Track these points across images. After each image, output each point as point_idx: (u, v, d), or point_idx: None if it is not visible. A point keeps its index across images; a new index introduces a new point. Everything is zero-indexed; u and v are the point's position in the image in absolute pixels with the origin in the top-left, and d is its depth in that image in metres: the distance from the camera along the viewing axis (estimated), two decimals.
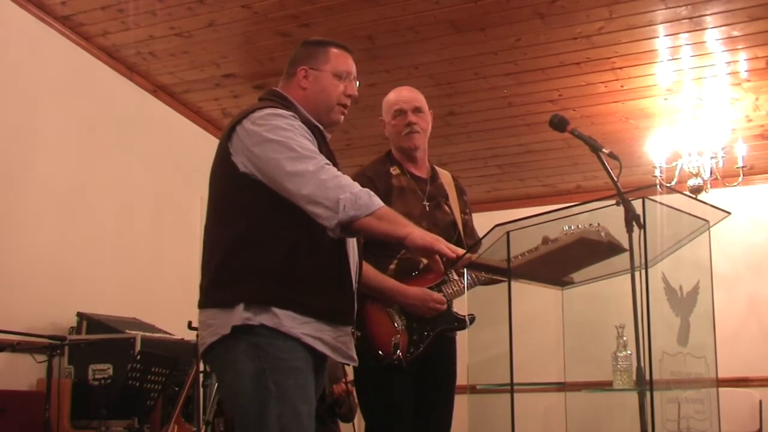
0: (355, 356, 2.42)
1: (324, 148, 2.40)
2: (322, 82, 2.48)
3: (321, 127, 2.47)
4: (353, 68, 2.55)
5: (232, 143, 2.32)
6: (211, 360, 2.37)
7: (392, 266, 2.97)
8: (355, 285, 2.43)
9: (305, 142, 2.29)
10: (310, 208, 2.21)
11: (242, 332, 2.22)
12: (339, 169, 2.37)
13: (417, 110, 3.14)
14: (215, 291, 2.30)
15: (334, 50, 2.53)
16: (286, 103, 2.43)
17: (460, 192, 3.26)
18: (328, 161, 2.28)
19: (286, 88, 2.51)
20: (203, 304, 2.35)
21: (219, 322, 2.26)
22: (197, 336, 4.41)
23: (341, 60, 2.52)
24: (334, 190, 2.19)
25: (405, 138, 3.13)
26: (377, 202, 2.23)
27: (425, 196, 3.12)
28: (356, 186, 2.23)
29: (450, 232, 3.09)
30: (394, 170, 3.14)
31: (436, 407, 3.09)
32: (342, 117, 2.53)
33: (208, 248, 2.37)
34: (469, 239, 3.11)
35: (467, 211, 3.26)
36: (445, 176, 3.26)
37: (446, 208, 3.16)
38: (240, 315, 2.22)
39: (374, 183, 3.02)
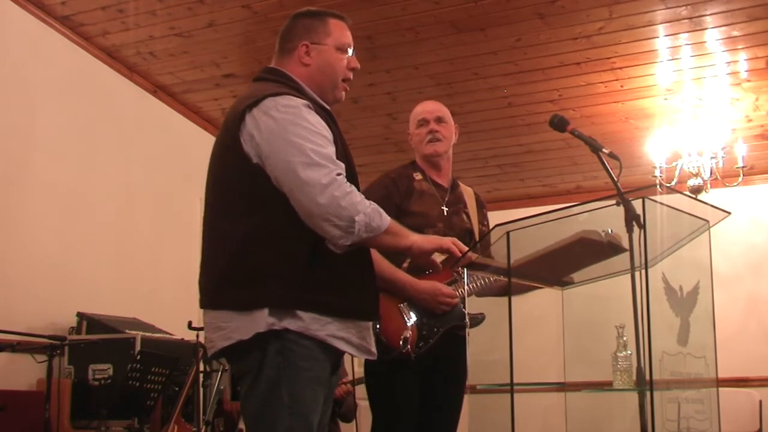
0: (374, 349, 2.32)
1: (337, 133, 2.26)
2: (326, 56, 2.33)
3: (329, 108, 2.33)
4: (352, 39, 2.39)
5: (242, 133, 2.15)
6: (227, 360, 2.28)
7: (405, 264, 2.99)
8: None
9: (319, 142, 2.13)
10: (318, 222, 2.08)
11: (264, 337, 2.09)
12: (351, 157, 2.30)
13: (439, 120, 3.25)
14: (228, 291, 2.14)
15: (333, 21, 2.37)
16: (294, 85, 2.28)
17: (480, 205, 3.35)
18: (340, 170, 2.13)
19: (286, 65, 2.34)
20: (211, 305, 2.19)
21: (233, 325, 2.12)
22: (197, 336, 4.44)
23: (341, 31, 2.37)
24: (347, 209, 2.07)
25: (427, 145, 3.22)
26: (386, 219, 2.16)
27: (444, 202, 3.20)
28: (367, 204, 2.13)
29: (465, 239, 3.12)
30: (417, 176, 3.23)
31: (442, 405, 3.11)
32: (344, 94, 2.39)
33: (214, 244, 2.20)
34: None
35: (485, 223, 3.33)
36: (466, 189, 3.35)
37: (464, 216, 3.24)
38: (264, 321, 2.08)
39: (396, 183, 3.15)
